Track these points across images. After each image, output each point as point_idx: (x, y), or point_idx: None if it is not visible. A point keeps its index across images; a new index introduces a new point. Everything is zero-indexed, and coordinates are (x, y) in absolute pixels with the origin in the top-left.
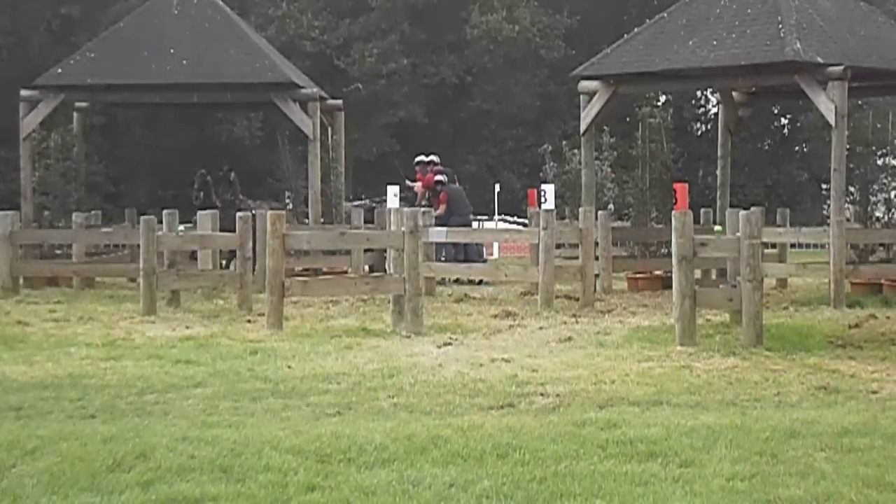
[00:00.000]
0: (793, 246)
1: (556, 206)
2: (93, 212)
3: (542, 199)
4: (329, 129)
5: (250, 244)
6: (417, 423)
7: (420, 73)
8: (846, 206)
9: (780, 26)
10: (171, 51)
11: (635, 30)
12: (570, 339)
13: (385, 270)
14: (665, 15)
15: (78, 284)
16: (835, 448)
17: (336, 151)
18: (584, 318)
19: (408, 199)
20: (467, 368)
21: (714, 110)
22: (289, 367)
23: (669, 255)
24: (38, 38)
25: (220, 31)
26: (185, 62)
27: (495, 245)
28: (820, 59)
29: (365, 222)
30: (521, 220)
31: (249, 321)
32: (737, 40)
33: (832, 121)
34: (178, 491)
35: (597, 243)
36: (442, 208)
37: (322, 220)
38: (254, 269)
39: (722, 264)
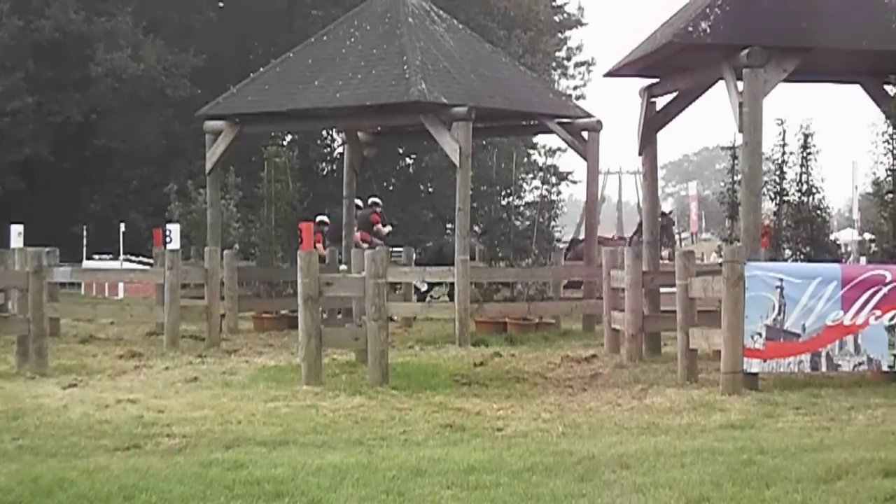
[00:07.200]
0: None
1: (181, 246)
2: None
3: (168, 239)
4: None
5: None
6: (43, 466)
7: (45, 111)
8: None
9: (406, 67)
10: None
11: (261, 69)
12: (196, 379)
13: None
14: (291, 54)
15: None
16: (461, 485)
17: None
18: (210, 358)
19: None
20: (93, 410)
21: (340, 150)
22: None
23: (296, 294)
24: None
25: None
26: None
27: (120, 285)
28: (445, 100)
29: None
30: (146, 259)
31: None
32: (362, 81)
33: (457, 160)
34: None
35: (223, 283)
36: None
37: None
38: None
39: (348, 303)
